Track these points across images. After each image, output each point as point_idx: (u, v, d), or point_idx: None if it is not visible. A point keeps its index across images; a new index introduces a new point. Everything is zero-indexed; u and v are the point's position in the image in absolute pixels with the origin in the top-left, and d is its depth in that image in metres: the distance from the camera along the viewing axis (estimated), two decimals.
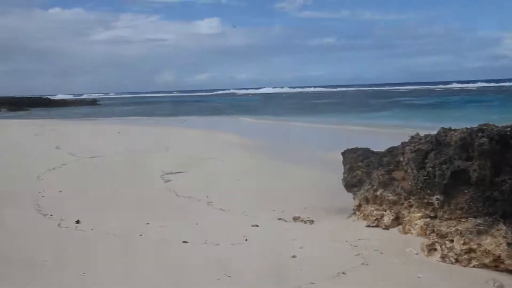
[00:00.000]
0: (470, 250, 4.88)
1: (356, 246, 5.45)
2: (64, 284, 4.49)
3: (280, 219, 6.88)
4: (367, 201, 6.61)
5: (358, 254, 5.19)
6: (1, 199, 7.93)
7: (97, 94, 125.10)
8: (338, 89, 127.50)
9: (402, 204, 6.06)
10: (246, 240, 5.75)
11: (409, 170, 5.91)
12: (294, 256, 5.11)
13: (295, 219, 6.80)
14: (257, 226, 6.42)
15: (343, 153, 7.68)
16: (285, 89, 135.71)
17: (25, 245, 5.66)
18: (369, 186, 6.59)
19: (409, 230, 5.83)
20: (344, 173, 7.40)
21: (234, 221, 6.80)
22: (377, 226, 6.24)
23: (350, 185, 7.16)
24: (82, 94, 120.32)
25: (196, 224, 6.55)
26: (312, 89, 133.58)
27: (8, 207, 7.46)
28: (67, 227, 6.33)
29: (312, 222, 6.65)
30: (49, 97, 78.86)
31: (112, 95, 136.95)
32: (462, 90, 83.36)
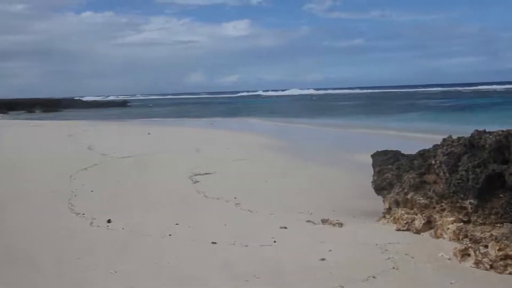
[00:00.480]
0: (506, 257, 4.73)
1: (386, 250, 5.37)
2: (96, 282, 4.58)
3: (308, 221, 6.83)
4: (397, 204, 6.50)
5: (388, 258, 5.11)
6: (36, 198, 8.17)
7: (127, 96, 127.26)
8: (366, 90, 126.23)
9: (434, 208, 5.94)
10: (274, 241, 5.74)
11: (441, 174, 5.79)
12: (323, 259, 5.07)
13: (324, 221, 6.74)
14: (286, 228, 6.40)
15: (372, 156, 7.59)
16: (313, 91, 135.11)
17: (58, 243, 5.80)
18: (400, 189, 6.49)
19: (441, 234, 5.71)
20: (373, 175, 7.31)
21: (262, 222, 6.79)
22: (407, 230, 6.13)
23: (380, 187, 7.06)
24: (112, 96, 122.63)
25: (225, 225, 6.58)
26: (340, 91, 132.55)
27: (42, 206, 7.67)
28: (98, 226, 6.46)
29: (341, 225, 6.58)
30: (81, 98, 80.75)
31: (142, 97, 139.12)
32: (494, 92, 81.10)
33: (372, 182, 7.26)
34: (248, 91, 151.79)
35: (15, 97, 68.56)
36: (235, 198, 8.15)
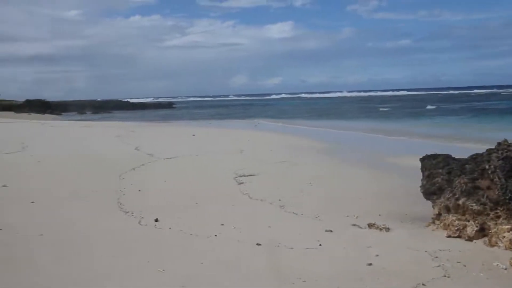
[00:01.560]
0: None
1: (436, 257, 5.20)
2: (145, 280, 4.68)
3: (354, 225, 6.73)
4: (447, 210, 6.29)
5: (438, 266, 4.94)
6: (88, 196, 8.46)
7: (173, 98, 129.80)
8: (412, 92, 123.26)
9: (488, 214, 5.70)
10: (320, 245, 5.68)
11: (496, 179, 5.56)
12: (370, 264, 4.97)
13: (370, 225, 6.62)
14: (331, 231, 6.33)
15: (421, 159, 7.37)
16: (356, 93, 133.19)
17: (108, 240, 5.97)
18: (451, 195, 6.27)
19: (496, 243, 5.47)
20: (422, 179, 7.11)
21: (307, 225, 6.75)
22: (459, 236, 5.91)
23: (429, 192, 6.85)
24: (158, 97, 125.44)
25: (269, 227, 6.58)
26: (384, 92, 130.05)
27: (93, 204, 7.94)
28: (146, 225, 6.61)
29: (388, 229, 6.44)
30: (128, 100, 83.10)
31: (187, 99, 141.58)
32: None
33: (420, 187, 7.06)
34: (291, 93, 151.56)
35: (68, 99, 71.39)
36: (280, 200, 8.14)
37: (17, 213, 7.22)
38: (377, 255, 5.24)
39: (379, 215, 7.27)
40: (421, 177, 7.18)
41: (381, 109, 51.29)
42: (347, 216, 7.22)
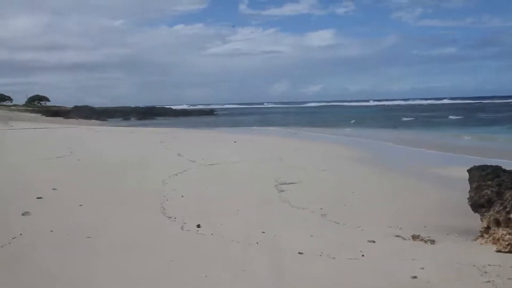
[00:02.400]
0: None
1: (485, 272, 5.01)
2: (188, 284, 4.76)
3: (397, 236, 6.59)
4: (497, 223, 6.05)
5: (488, 281, 4.76)
6: (132, 200, 8.68)
7: (214, 105, 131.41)
8: (458, 101, 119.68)
9: None
10: (362, 255, 5.59)
11: None
12: (414, 277, 4.85)
13: (414, 237, 6.46)
14: (374, 242, 6.22)
15: (469, 171, 7.14)
16: (400, 102, 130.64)
17: (152, 244, 6.11)
18: (501, 208, 6.04)
19: None
20: (470, 191, 6.88)
21: (349, 235, 6.66)
22: (510, 252, 5.68)
23: (477, 205, 6.62)
24: (200, 104, 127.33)
25: (311, 235, 6.54)
26: (428, 101, 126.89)
27: (138, 208, 8.14)
28: (189, 230, 6.71)
29: (433, 242, 6.27)
30: (171, 107, 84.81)
31: (227, 106, 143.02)
32: None
33: (468, 199, 6.83)
34: (334, 101, 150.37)
35: (112, 106, 73.60)
36: (321, 208, 8.08)
37: (66, 215, 7.49)
38: (422, 268, 5.10)
39: (424, 226, 7.09)
40: (468, 188, 6.95)
41: (424, 116, 50.06)
42: (390, 227, 7.08)
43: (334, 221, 7.35)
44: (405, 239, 6.46)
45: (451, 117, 49.60)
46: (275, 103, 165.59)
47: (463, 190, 7.22)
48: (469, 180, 7.01)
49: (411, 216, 7.82)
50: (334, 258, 5.50)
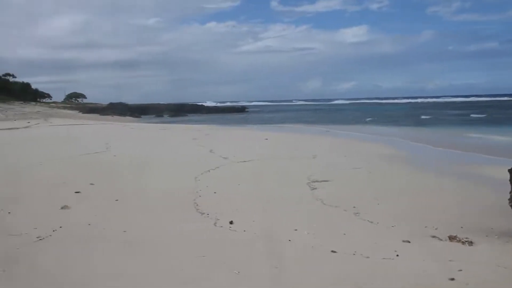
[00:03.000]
0: None
1: None
2: (221, 280, 4.80)
3: (433, 236, 6.44)
4: None
5: None
6: (165, 196, 8.82)
7: (246, 101, 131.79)
8: (499, 98, 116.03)
9: None
10: (397, 255, 5.50)
11: None
12: (452, 279, 4.74)
13: (451, 238, 6.31)
14: (409, 242, 6.11)
15: (510, 170, 6.90)
16: (435, 99, 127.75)
17: (185, 239, 6.19)
18: None
19: None
20: (511, 192, 6.66)
21: (383, 234, 6.56)
22: None
23: None
24: (231, 101, 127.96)
25: (344, 234, 6.48)
26: (464, 98, 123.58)
27: (170, 204, 8.27)
28: (221, 226, 6.76)
29: (471, 243, 6.10)
30: (203, 104, 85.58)
31: (259, 103, 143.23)
32: None
33: (509, 199, 6.61)
34: (366, 98, 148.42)
35: (146, 102, 74.85)
36: (354, 207, 8.00)
37: (103, 210, 7.69)
38: (460, 270, 4.98)
39: (461, 227, 6.90)
40: (509, 189, 6.72)
41: (459, 113, 48.80)
42: (426, 227, 6.93)
43: (368, 220, 7.26)
44: (441, 239, 6.31)
45: (472, 115, 48.20)
46: (305, 100, 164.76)
47: (503, 190, 7.00)
48: (510, 180, 6.79)
49: (447, 216, 7.63)
50: (368, 257, 5.44)
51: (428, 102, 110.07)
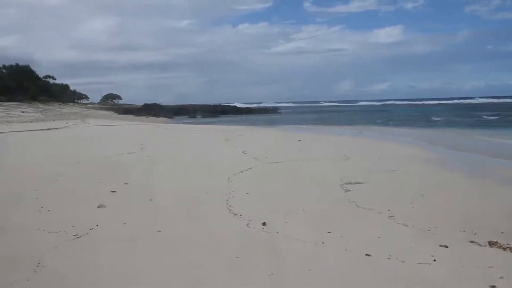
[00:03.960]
0: None
1: None
2: (254, 281, 4.79)
3: (472, 241, 6.25)
4: None
5: None
6: (199, 196, 8.89)
7: (278, 103, 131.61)
8: None
9: None
10: (434, 260, 5.36)
11: None
12: (493, 286, 4.58)
13: (491, 244, 6.10)
14: (446, 246, 5.95)
15: None
16: (474, 100, 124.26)
17: (219, 239, 6.21)
18: None
19: None
20: None
21: (419, 238, 6.41)
22: None
23: None
24: (263, 102, 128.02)
25: (378, 237, 6.37)
26: (504, 99, 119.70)
27: (204, 204, 8.32)
28: (254, 228, 6.75)
29: None
30: (235, 105, 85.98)
31: (291, 104, 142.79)
32: None
33: None
34: (398, 99, 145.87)
35: (180, 103, 75.78)
36: (389, 210, 7.85)
37: (137, 209, 7.82)
38: (501, 277, 4.80)
39: (502, 232, 6.68)
40: None
41: (503, 114, 47.27)
42: (464, 231, 6.74)
43: (403, 224, 7.11)
44: (480, 245, 6.12)
45: (484, 117, 46.66)
46: (338, 101, 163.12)
47: None
48: None
49: (486, 220, 7.40)
50: (403, 262, 5.32)
51: (463, 104, 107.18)
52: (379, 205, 8.19)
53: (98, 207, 7.81)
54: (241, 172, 11.56)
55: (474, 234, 6.59)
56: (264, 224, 6.85)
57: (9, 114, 36.82)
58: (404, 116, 54.68)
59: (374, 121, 46.34)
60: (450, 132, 29.74)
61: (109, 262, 5.33)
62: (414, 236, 6.54)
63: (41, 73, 64.97)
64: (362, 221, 7.38)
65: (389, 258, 5.43)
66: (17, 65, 60.75)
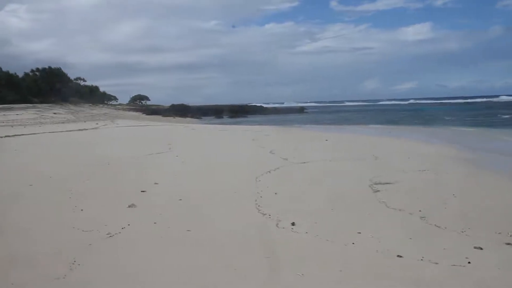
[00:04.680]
0: None
1: None
2: (284, 282, 4.79)
3: (508, 244, 6.08)
4: None
5: None
6: (227, 196, 8.93)
7: (304, 102, 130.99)
8: None
9: None
10: (469, 262, 5.24)
11: None
12: None
13: None
14: (481, 248, 5.80)
15: None
16: (505, 97, 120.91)
17: (248, 240, 6.23)
18: None
19: None
20: None
21: (452, 240, 6.28)
22: None
23: None
24: (290, 102, 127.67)
25: (410, 238, 6.26)
26: None
27: (232, 204, 8.36)
28: (283, 228, 6.74)
29: None
30: (262, 105, 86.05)
31: (317, 103, 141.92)
32: None
33: None
34: (426, 98, 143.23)
35: (207, 104, 76.39)
36: (420, 211, 7.71)
37: (167, 209, 7.91)
38: None
39: None
40: None
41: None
42: (499, 233, 6.55)
43: (435, 225, 6.97)
44: None
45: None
46: (365, 100, 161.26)
47: None
48: None
49: None
50: (436, 263, 5.22)
51: (494, 102, 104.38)
52: (410, 205, 8.06)
53: (129, 206, 7.94)
54: (269, 172, 11.56)
55: (511, 236, 6.41)
56: (293, 224, 6.83)
57: (42, 115, 37.87)
58: (432, 115, 53.60)
59: (402, 120, 45.63)
60: (480, 131, 29.01)
61: (141, 261, 5.41)
62: (447, 237, 6.40)
63: (72, 76, 66.63)
64: (392, 222, 7.27)
65: (421, 259, 5.33)
66: (49, 67, 62.39)
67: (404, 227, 6.93)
